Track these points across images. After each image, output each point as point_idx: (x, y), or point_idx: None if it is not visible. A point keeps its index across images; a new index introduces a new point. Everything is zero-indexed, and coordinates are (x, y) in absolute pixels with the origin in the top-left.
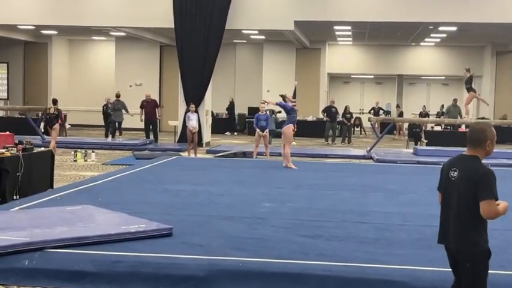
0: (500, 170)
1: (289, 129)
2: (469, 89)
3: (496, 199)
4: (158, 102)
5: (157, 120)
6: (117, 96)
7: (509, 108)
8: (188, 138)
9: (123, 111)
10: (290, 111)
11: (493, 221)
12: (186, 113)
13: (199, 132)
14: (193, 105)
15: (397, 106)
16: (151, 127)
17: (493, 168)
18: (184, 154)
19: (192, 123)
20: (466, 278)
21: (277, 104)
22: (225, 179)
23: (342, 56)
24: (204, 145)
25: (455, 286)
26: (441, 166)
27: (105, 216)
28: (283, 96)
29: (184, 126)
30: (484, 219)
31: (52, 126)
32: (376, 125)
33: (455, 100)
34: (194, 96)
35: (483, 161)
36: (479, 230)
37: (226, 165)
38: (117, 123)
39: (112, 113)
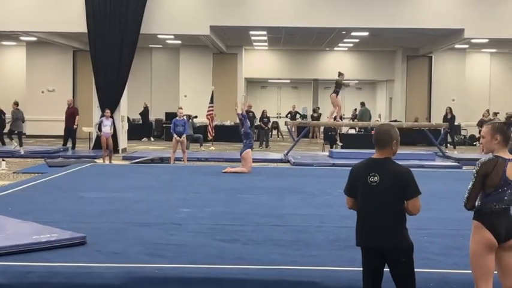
0: (414, 171)
1: (247, 153)
2: (338, 92)
3: (420, 194)
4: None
5: (74, 128)
6: (16, 104)
7: (419, 111)
8: (103, 144)
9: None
10: (248, 136)
11: None
12: (100, 118)
13: (115, 138)
14: (108, 111)
15: (316, 109)
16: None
17: None
18: (100, 161)
19: (106, 129)
20: (401, 272)
21: (241, 115)
22: (142, 185)
23: (259, 61)
24: (120, 151)
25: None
26: (350, 170)
27: (15, 226)
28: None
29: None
30: (405, 216)
31: None
32: (293, 129)
33: (362, 103)
34: (109, 102)
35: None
36: (405, 226)
37: (143, 171)
38: (17, 133)
39: (11, 123)
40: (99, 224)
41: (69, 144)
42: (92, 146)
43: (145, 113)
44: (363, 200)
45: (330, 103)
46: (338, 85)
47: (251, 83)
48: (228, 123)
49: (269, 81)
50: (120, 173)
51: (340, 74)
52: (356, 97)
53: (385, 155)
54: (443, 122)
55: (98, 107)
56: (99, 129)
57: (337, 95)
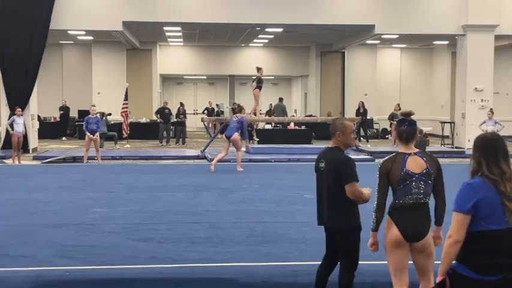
0: None
1: (236, 135)
2: (261, 87)
3: (357, 181)
4: None
5: None
6: None
7: (333, 105)
8: (14, 144)
9: None
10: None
11: None
12: (10, 117)
13: (25, 137)
14: (19, 109)
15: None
16: None
17: None
18: (9, 161)
19: (18, 127)
20: (343, 250)
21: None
22: (53, 185)
23: (174, 57)
24: (30, 151)
25: (326, 259)
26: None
27: None
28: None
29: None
30: (353, 200)
31: None
32: (210, 125)
33: (280, 99)
34: (18, 100)
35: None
36: (350, 209)
37: (54, 171)
38: None
39: None
40: (7, 227)
41: None
42: (0, 145)
43: (65, 111)
44: (316, 183)
45: (247, 99)
46: (260, 80)
47: (167, 79)
48: (143, 120)
49: (185, 77)
50: (30, 173)
51: (258, 69)
52: (272, 93)
53: (334, 144)
54: (356, 116)
55: (7, 105)
56: (11, 128)
57: (259, 90)
